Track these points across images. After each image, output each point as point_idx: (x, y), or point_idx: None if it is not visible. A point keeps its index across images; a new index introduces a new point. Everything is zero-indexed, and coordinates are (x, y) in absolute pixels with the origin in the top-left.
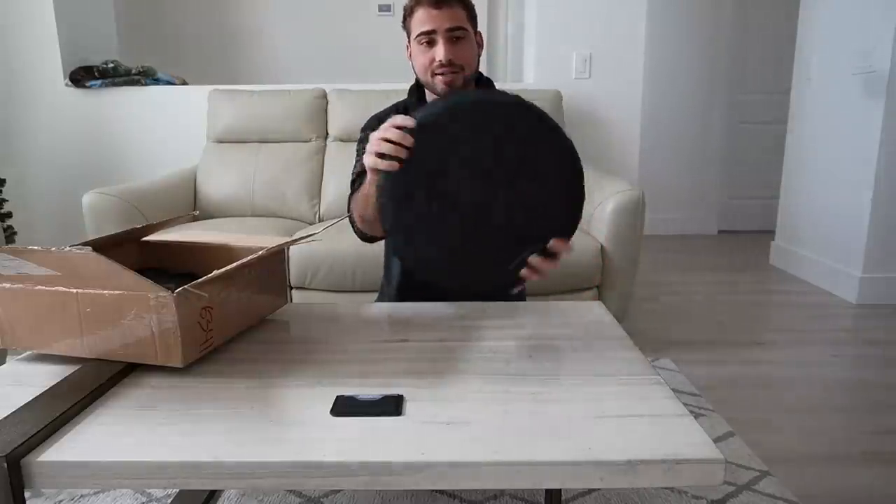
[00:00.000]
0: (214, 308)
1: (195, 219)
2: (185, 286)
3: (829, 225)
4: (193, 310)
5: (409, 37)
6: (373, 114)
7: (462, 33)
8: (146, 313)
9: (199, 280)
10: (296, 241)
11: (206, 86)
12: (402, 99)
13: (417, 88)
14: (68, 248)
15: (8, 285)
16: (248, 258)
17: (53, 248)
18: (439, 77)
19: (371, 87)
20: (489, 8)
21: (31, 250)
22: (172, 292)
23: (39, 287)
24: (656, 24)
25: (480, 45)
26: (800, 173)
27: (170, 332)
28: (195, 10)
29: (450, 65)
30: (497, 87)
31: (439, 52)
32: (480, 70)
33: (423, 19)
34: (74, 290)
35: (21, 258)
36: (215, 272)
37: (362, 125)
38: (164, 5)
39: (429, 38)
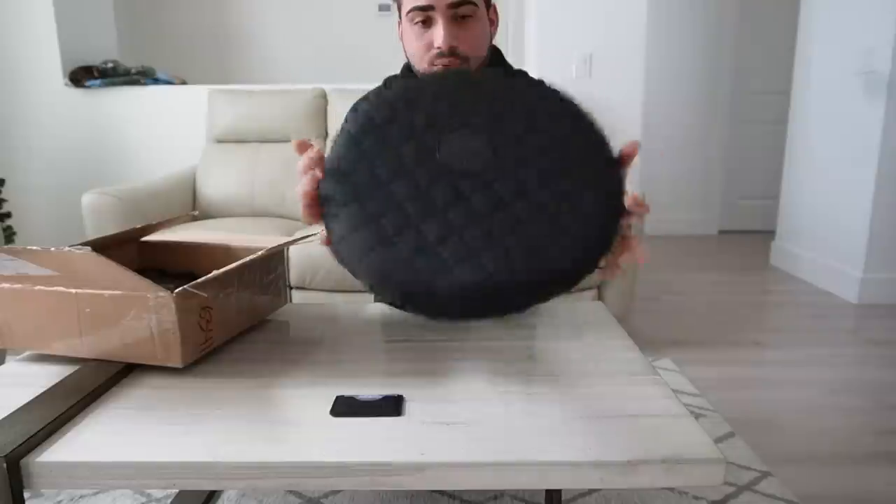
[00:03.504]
0: (214, 308)
1: (194, 219)
2: (185, 286)
3: (829, 225)
4: (193, 310)
5: (399, 12)
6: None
7: (469, 10)
8: (146, 313)
9: (199, 280)
10: (295, 241)
11: (206, 86)
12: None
13: (409, 72)
14: (68, 249)
15: (7, 285)
16: (249, 258)
17: (53, 248)
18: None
19: (371, 87)
20: None
21: (31, 250)
22: (172, 292)
23: (39, 287)
24: (656, 24)
25: (494, 24)
26: (800, 174)
27: (169, 332)
28: (195, 10)
29: (451, 53)
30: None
31: (438, 36)
32: (497, 46)
33: None
34: (73, 291)
35: (21, 258)
36: (215, 272)
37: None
38: (163, 5)
39: (424, 17)
